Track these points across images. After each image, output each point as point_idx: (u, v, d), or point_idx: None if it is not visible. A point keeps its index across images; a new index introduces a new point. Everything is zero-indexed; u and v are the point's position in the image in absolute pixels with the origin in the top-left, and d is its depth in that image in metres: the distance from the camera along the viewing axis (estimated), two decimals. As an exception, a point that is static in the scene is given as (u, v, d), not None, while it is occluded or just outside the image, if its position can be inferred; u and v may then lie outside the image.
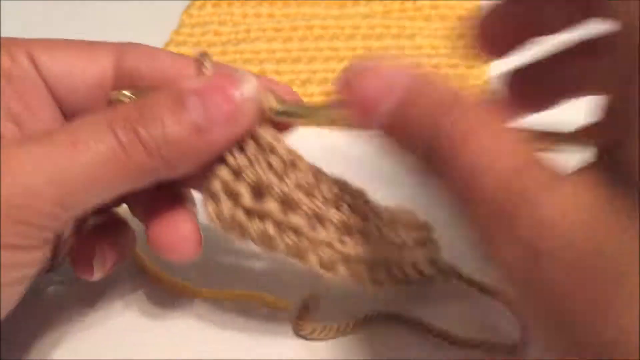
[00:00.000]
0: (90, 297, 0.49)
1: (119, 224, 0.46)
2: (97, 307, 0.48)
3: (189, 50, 0.70)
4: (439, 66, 0.66)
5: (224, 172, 0.39)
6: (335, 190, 0.40)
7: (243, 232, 0.39)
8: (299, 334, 0.46)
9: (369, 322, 0.45)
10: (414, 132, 0.32)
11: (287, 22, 0.72)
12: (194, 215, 0.43)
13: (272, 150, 0.39)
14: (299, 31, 0.71)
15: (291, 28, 0.71)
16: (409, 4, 0.74)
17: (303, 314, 0.46)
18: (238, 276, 0.50)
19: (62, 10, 0.79)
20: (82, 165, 0.35)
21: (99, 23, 0.77)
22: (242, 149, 0.39)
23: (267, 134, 0.39)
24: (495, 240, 0.30)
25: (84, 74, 0.41)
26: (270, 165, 0.39)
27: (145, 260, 0.50)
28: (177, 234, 0.41)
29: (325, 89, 0.64)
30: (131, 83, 0.41)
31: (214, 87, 0.38)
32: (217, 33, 0.72)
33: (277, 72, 0.67)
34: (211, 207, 0.40)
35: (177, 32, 0.73)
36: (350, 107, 0.34)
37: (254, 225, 0.39)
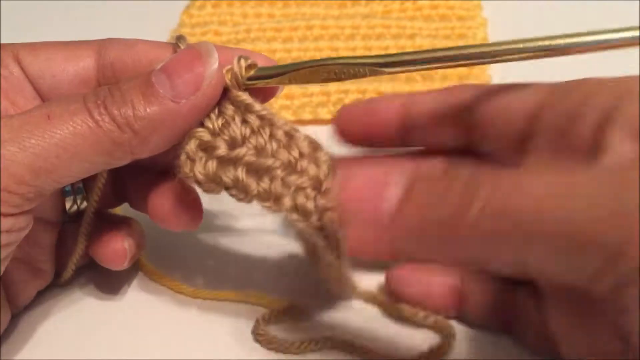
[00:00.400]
0: (88, 298, 0.49)
1: (126, 220, 0.48)
2: (95, 308, 0.48)
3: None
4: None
5: (201, 133, 0.41)
6: (311, 147, 0.42)
7: (218, 181, 0.40)
8: (257, 337, 0.45)
9: (320, 347, 0.45)
10: None
11: (287, 22, 0.72)
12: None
13: (248, 109, 0.41)
14: (299, 31, 0.71)
15: (291, 28, 0.71)
16: (409, 4, 0.74)
17: (270, 319, 0.46)
18: (236, 277, 0.50)
19: (62, 10, 0.79)
20: (55, 136, 0.37)
21: (99, 23, 0.77)
22: (219, 112, 0.41)
23: (242, 95, 0.41)
24: None
25: (66, 71, 0.43)
26: (245, 121, 0.41)
27: (144, 261, 0.50)
28: (178, 203, 0.44)
29: (325, 88, 0.64)
30: (114, 75, 0.43)
31: (178, 62, 0.40)
32: (217, 33, 0.72)
33: (277, 72, 0.67)
34: (187, 167, 0.41)
35: (177, 31, 0.73)
36: None
37: (228, 172, 0.40)
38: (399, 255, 0.42)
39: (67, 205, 0.47)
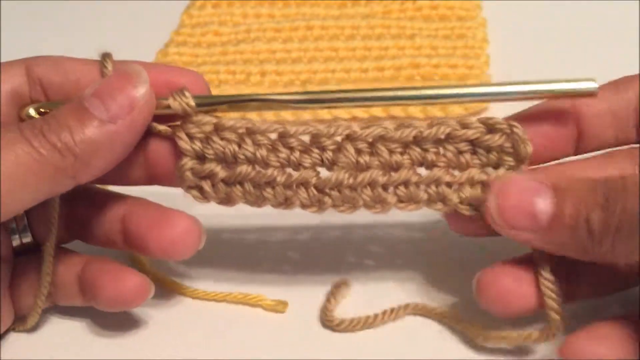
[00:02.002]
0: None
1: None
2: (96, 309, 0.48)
3: (189, 50, 0.70)
4: (439, 66, 0.66)
5: (188, 163, 0.44)
6: (306, 138, 0.43)
7: (230, 199, 0.44)
8: (326, 324, 0.46)
9: (397, 314, 0.46)
10: None
11: (287, 23, 0.72)
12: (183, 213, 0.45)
13: (219, 128, 0.43)
14: (299, 31, 0.71)
15: (291, 28, 0.71)
16: (409, 4, 0.74)
17: (331, 302, 0.46)
18: (237, 278, 0.50)
19: (62, 10, 0.79)
20: (2, 171, 0.38)
21: (99, 23, 0.77)
22: (191, 137, 0.43)
23: (205, 118, 0.43)
24: None
25: (4, 89, 0.43)
26: (224, 139, 0.43)
27: (144, 262, 0.50)
28: (175, 232, 0.44)
29: (324, 88, 0.64)
30: (44, 92, 0.44)
31: (110, 86, 0.41)
32: (217, 33, 0.72)
33: (277, 72, 0.67)
34: (195, 194, 0.44)
35: (177, 32, 0.73)
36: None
37: (237, 191, 0.43)
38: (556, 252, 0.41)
39: (14, 242, 0.46)
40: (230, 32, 0.72)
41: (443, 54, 0.67)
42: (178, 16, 0.75)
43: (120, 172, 0.44)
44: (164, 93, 0.43)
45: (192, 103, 0.43)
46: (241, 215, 0.50)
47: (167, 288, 0.49)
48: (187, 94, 0.43)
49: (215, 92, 0.65)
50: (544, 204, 0.39)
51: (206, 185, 0.44)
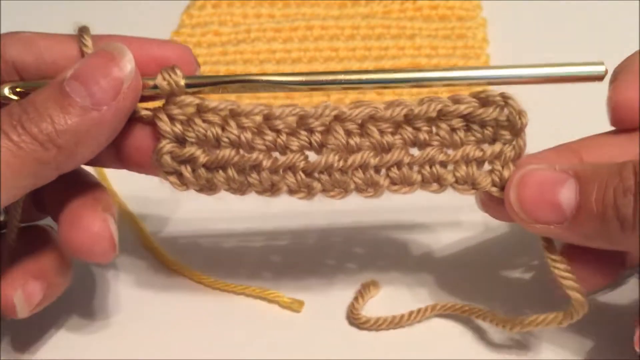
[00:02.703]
0: (104, 290, 0.49)
1: (97, 186, 0.44)
2: (110, 296, 0.49)
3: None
4: (439, 66, 0.66)
5: (166, 146, 0.41)
6: (293, 119, 0.41)
7: (211, 186, 0.41)
8: (353, 322, 0.46)
9: (424, 314, 0.46)
10: None
11: (287, 23, 0.72)
12: (107, 214, 0.41)
13: (202, 110, 0.40)
14: (299, 31, 0.71)
15: (291, 28, 0.71)
16: (409, 4, 0.74)
17: (359, 301, 0.46)
18: (255, 273, 0.50)
19: (62, 10, 0.79)
20: None
21: (99, 23, 0.77)
22: (172, 119, 0.40)
23: (188, 99, 0.40)
24: None
25: None
26: (207, 121, 0.40)
27: (164, 252, 0.51)
28: (87, 233, 0.40)
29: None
30: (18, 74, 0.41)
31: (91, 67, 0.38)
32: (217, 33, 0.72)
33: (277, 72, 0.67)
34: (174, 180, 0.41)
35: (177, 32, 0.73)
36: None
37: (219, 177, 0.41)
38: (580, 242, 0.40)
39: None
40: (230, 32, 0.72)
41: (443, 54, 0.67)
42: (178, 16, 0.75)
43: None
44: (149, 70, 0.40)
45: (182, 83, 0.40)
46: (251, 217, 0.51)
47: (184, 276, 0.50)
48: (178, 72, 0.40)
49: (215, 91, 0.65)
50: (567, 194, 0.37)
51: (186, 171, 0.41)
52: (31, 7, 0.79)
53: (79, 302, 0.48)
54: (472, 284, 0.48)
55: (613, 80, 0.41)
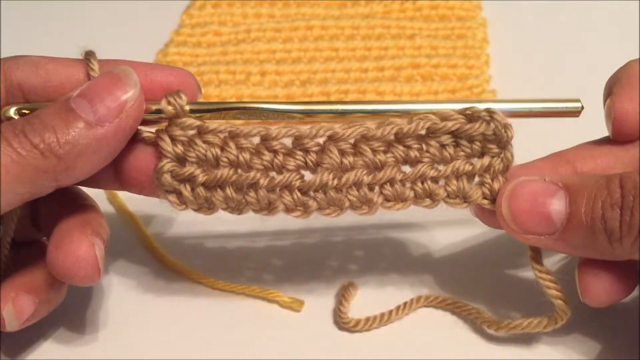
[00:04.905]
0: (105, 291, 0.49)
1: (89, 207, 0.44)
2: (111, 296, 0.49)
3: (189, 50, 0.70)
4: (439, 66, 0.66)
5: (167, 165, 0.42)
6: (289, 140, 0.42)
7: (210, 205, 0.43)
8: (343, 327, 0.46)
9: (410, 307, 0.47)
10: None
11: (287, 23, 0.72)
12: (96, 238, 0.42)
13: (202, 131, 0.42)
14: (299, 31, 0.71)
15: (291, 28, 0.71)
16: (409, 4, 0.74)
17: (343, 304, 0.47)
18: (255, 272, 0.51)
19: (62, 10, 0.79)
20: None
21: (100, 23, 0.77)
22: (174, 139, 0.42)
23: (189, 121, 0.42)
24: None
25: None
26: (207, 142, 0.42)
27: (164, 253, 0.51)
28: (71, 257, 0.40)
29: (325, 89, 0.64)
30: (24, 97, 0.42)
31: (98, 87, 0.39)
32: (217, 33, 0.72)
33: (277, 72, 0.67)
34: (173, 199, 0.43)
35: (177, 32, 0.73)
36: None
37: (217, 195, 0.42)
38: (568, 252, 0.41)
39: None
40: (230, 32, 0.72)
41: (443, 54, 0.67)
42: (178, 16, 0.75)
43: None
44: (152, 94, 0.41)
45: (187, 107, 0.42)
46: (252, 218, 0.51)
47: (185, 277, 0.50)
48: (183, 96, 0.42)
49: (215, 91, 0.65)
50: (558, 205, 0.38)
51: (185, 190, 0.42)
52: (31, 7, 0.79)
53: (80, 302, 0.48)
54: (463, 283, 0.49)
55: (609, 93, 0.42)
